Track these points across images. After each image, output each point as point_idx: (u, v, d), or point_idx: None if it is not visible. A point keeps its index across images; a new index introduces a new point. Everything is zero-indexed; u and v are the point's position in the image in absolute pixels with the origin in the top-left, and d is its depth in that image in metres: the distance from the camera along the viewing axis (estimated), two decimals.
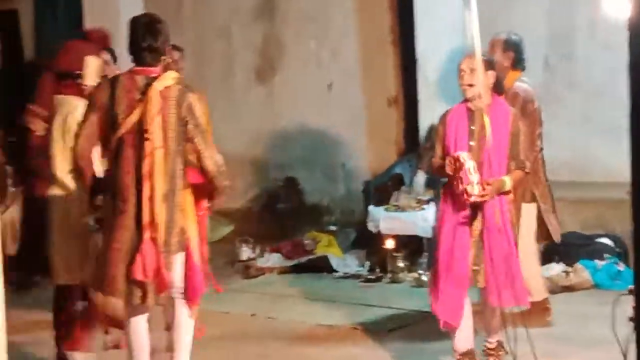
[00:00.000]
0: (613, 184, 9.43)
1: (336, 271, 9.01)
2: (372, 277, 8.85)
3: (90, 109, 5.41)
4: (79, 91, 5.99)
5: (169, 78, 5.29)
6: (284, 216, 10.04)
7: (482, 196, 5.54)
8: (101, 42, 7.03)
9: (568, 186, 9.42)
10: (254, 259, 9.63)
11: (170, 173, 5.22)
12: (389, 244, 8.84)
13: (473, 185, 5.49)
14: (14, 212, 6.01)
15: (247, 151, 11.28)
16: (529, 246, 6.69)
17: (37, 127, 6.32)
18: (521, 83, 7.07)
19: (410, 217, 8.95)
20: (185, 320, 5.51)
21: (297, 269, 9.25)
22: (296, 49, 11.02)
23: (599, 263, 8.23)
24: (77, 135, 5.45)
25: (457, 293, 5.69)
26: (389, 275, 8.82)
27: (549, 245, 8.28)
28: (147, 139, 5.17)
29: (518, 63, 7.14)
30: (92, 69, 6.02)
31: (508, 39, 7.12)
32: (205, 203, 5.49)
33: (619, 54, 9.50)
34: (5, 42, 10.48)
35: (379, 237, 8.93)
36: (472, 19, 4.95)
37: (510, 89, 7.01)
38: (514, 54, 7.11)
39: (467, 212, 5.66)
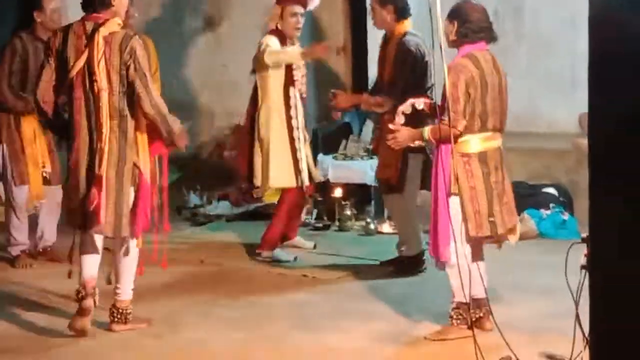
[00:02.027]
0: (558, 135, 9.58)
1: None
2: (320, 225, 8.91)
3: (46, 55, 5.90)
4: None
5: (114, 24, 5.70)
6: (231, 164, 9.99)
7: (392, 140, 6.00)
8: None
9: (515, 137, 9.51)
10: (201, 206, 9.64)
11: (118, 112, 5.65)
12: (337, 192, 8.90)
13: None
14: None
15: (194, 98, 11.23)
16: None
17: None
18: (412, 37, 7.10)
19: (358, 166, 9.02)
20: (130, 251, 5.89)
21: (245, 217, 9.28)
22: None
23: (544, 212, 8.36)
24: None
25: None
26: (337, 223, 8.89)
27: None
28: (94, 81, 5.62)
29: (402, 14, 7.14)
30: None
31: None
32: (162, 143, 5.86)
33: (566, 7, 9.68)
34: None
35: (327, 186, 8.98)
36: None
37: (401, 43, 7.06)
38: (394, 5, 7.12)
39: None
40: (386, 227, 8.56)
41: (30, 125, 7.48)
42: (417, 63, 7.08)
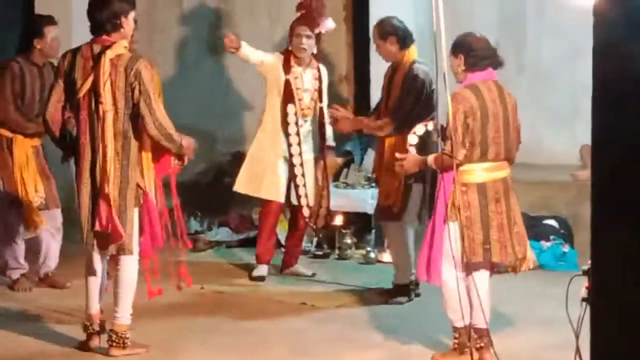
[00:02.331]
0: (559, 167, 9.59)
1: (284, 246, 9.03)
2: (320, 253, 8.91)
3: (56, 76, 6.07)
4: None
5: (121, 47, 5.80)
6: (232, 190, 10.00)
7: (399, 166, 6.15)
8: None
9: (516, 168, 9.50)
10: (202, 232, 9.63)
11: (122, 134, 5.74)
12: (338, 220, 8.89)
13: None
14: None
15: (195, 124, 11.23)
16: None
17: None
18: (420, 65, 7.16)
19: (359, 194, 9.02)
20: (129, 274, 5.99)
21: (245, 243, 9.28)
22: (248, 24, 10.98)
23: (544, 244, 8.35)
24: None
25: None
26: (337, 251, 8.88)
27: None
28: (100, 103, 5.71)
29: (404, 42, 7.22)
30: None
31: (380, 25, 7.30)
32: (172, 161, 5.98)
33: (567, 39, 9.72)
34: None
35: (327, 214, 8.95)
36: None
37: (409, 70, 7.11)
38: (395, 36, 7.20)
39: None
40: (386, 256, 8.55)
41: (22, 150, 7.48)
42: (425, 91, 7.14)
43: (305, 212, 7.94)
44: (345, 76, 10.24)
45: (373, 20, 9.47)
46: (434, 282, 5.93)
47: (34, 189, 7.49)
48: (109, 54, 5.72)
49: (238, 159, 10.83)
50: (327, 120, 7.89)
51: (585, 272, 4.12)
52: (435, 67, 5.06)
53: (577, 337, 4.60)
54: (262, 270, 8.04)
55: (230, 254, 9.09)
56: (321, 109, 7.96)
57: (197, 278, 7.99)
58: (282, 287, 7.82)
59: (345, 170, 9.41)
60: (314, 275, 8.11)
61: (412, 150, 6.04)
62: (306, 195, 7.90)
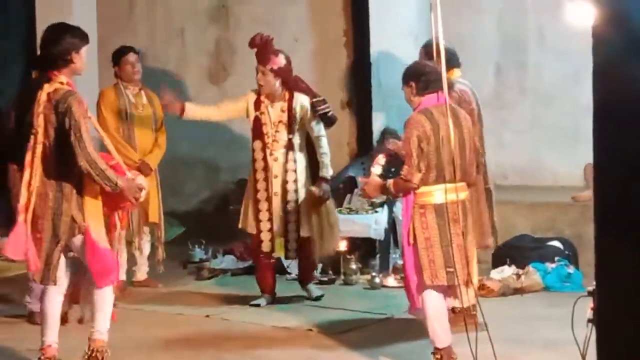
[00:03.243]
0: (562, 188, 9.60)
1: (289, 273, 9.04)
2: (325, 279, 8.89)
3: None
4: None
5: (57, 82, 5.83)
6: (236, 218, 10.01)
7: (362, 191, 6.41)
8: None
9: (520, 190, 9.56)
10: (206, 260, 9.63)
11: (54, 166, 5.78)
12: (342, 246, 8.89)
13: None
14: None
15: (198, 153, 11.28)
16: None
17: None
18: (458, 83, 7.17)
19: (363, 219, 9.01)
20: (97, 298, 5.96)
21: (250, 271, 9.25)
22: (248, 54, 10.99)
23: (549, 266, 8.34)
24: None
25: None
26: (342, 277, 8.88)
27: (499, 248, 8.41)
28: (34, 134, 5.79)
29: (447, 64, 7.21)
30: None
31: (428, 43, 7.22)
32: (124, 198, 5.94)
33: (568, 61, 9.75)
34: None
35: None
36: (437, 22, 5.02)
37: (452, 91, 7.12)
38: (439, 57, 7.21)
39: None
40: (391, 281, 8.55)
41: None
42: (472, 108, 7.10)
43: (265, 245, 8.02)
44: (346, 102, 10.27)
45: (373, 47, 9.56)
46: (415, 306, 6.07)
47: None
48: (47, 87, 5.80)
49: (241, 187, 10.86)
50: (322, 152, 7.95)
51: (590, 293, 4.12)
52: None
53: (583, 358, 4.60)
54: (261, 299, 8.08)
55: (235, 281, 9.08)
56: (316, 138, 7.98)
57: (202, 306, 8.05)
58: (287, 313, 7.80)
59: (348, 195, 9.42)
60: (321, 297, 8.14)
61: (377, 171, 6.27)
62: (270, 229, 7.98)
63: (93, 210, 5.85)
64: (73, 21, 10.12)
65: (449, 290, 6.03)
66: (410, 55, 7.51)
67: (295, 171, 7.98)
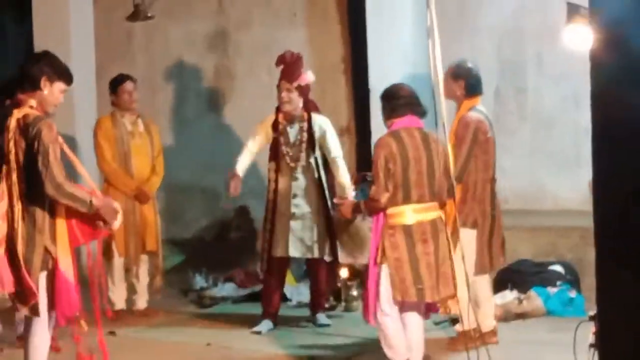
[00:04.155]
0: (563, 212, 9.59)
1: (290, 300, 9.02)
2: (327, 305, 8.86)
3: None
4: None
5: (27, 106, 5.66)
6: (237, 245, 10.06)
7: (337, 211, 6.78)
8: None
9: (521, 214, 9.53)
10: (207, 288, 9.61)
11: (26, 194, 5.59)
12: (343, 272, 8.87)
13: None
14: None
15: (198, 180, 11.28)
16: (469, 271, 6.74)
17: None
18: (475, 112, 7.14)
19: None
20: (36, 335, 5.71)
21: (251, 298, 9.24)
22: (248, 80, 11.07)
23: (551, 290, 8.32)
24: None
25: None
26: (343, 303, 8.85)
27: (501, 273, 8.39)
28: (6, 162, 5.60)
29: (471, 90, 7.20)
30: None
31: (458, 66, 7.21)
32: (98, 225, 5.74)
33: (567, 85, 9.76)
34: None
35: (333, 266, 8.94)
36: (434, 49, 5.03)
37: (463, 117, 7.12)
38: (465, 81, 7.19)
39: None
40: None
41: None
42: (477, 137, 7.09)
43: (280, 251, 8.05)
44: (346, 128, 10.28)
45: (372, 72, 9.56)
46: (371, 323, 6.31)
47: None
48: (16, 113, 5.62)
49: (242, 214, 10.88)
50: (342, 173, 7.99)
51: (592, 318, 4.11)
52: (435, 114, 5.14)
53: None
54: (262, 325, 8.07)
55: (236, 309, 9.05)
56: (334, 159, 7.98)
57: (203, 334, 8.03)
58: (289, 340, 7.77)
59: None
60: (327, 326, 8.15)
61: (351, 194, 6.72)
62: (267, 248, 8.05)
63: (62, 241, 5.66)
64: (71, 50, 10.24)
65: (419, 307, 6.28)
66: (409, 81, 7.50)
67: (316, 191, 7.98)
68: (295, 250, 8.01)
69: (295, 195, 7.97)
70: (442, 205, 6.30)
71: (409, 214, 6.12)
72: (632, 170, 3.05)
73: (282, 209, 7.99)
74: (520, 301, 8.16)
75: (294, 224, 7.97)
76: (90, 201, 5.57)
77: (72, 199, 5.55)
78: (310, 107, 8.12)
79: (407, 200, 6.10)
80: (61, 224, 5.66)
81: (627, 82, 3.05)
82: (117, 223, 5.74)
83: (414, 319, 6.30)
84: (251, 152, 8.26)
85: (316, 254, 8.03)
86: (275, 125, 8.06)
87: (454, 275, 6.19)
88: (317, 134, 8.03)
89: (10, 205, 5.59)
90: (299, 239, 7.98)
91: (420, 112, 6.30)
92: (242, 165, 8.24)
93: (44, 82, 5.70)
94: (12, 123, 5.61)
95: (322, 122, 8.09)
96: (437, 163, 6.18)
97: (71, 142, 8.62)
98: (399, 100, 6.24)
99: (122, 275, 8.54)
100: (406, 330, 6.26)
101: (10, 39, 11.37)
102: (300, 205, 7.98)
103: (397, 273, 6.09)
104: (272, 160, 8.05)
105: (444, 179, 6.21)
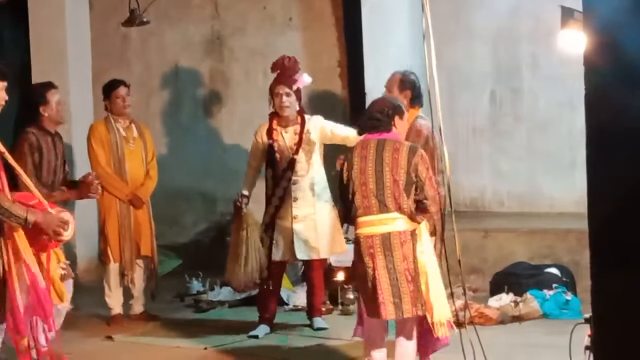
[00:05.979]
0: (559, 215, 9.61)
1: (287, 304, 9.02)
2: (323, 309, 8.86)
3: None
4: None
5: None
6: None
7: None
8: None
9: (517, 217, 9.56)
10: (204, 292, 9.60)
11: None
12: (340, 276, 8.88)
13: None
14: None
15: (195, 185, 11.28)
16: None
17: None
18: (422, 120, 7.18)
19: None
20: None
21: (247, 302, 9.24)
22: (244, 84, 11.08)
23: (547, 293, 8.33)
24: None
25: None
26: (340, 307, 8.86)
27: (497, 275, 8.41)
28: None
29: (416, 100, 7.25)
30: None
31: (403, 77, 7.25)
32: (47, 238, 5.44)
33: (564, 88, 9.78)
34: None
35: (329, 270, 8.96)
36: (430, 51, 5.05)
37: (412, 125, 7.14)
38: (411, 91, 7.22)
39: None
40: None
41: None
42: (428, 144, 7.12)
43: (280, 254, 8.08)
44: None
45: (368, 76, 9.58)
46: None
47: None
48: None
49: None
50: None
51: (587, 320, 4.12)
52: (431, 121, 5.13)
53: None
54: (259, 329, 8.07)
55: (233, 313, 9.05)
56: (347, 136, 7.92)
57: (200, 338, 8.03)
58: (285, 344, 7.78)
59: (345, 225, 9.39)
60: (324, 329, 8.14)
61: None
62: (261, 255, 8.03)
63: (26, 250, 5.33)
64: (67, 55, 10.27)
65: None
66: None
67: (314, 193, 8.00)
68: (301, 253, 8.01)
69: (296, 199, 7.97)
70: (411, 216, 5.97)
71: (361, 227, 6.02)
72: (626, 172, 3.06)
73: (282, 214, 7.99)
74: (516, 304, 8.17)
75: (297, 227, 7.96)
76: (26, 218, 5.23)
77: (6, 214, 5.23)
78: (302, 110, 8.15)
79: (358, 211, 6.00)
80: (20, 236, 5.33)
81: (620, 85, 3.06)
82: (67, 234, 5.43)
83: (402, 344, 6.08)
84: (254, 169, 8.23)
85: (322, 254, 8.05)
86: (269, 132, 8.06)
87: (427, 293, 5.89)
88: (315, 134, 8.03)
89: None
90: (304, 240, 7.98)
91: (371, 128, 6.10)
92: (248, 184, 8.18)
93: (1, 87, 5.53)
94: None
95: (315, 120, 8.10)
96: (388, 173, 5.91)
97: (67, 147, 8.61)
98: (365, 116, 6.21)
99: (118, 281, 8.54)
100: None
101: (7, 45, 11.36)
102: (302, 208, 7.99)
103: (361, 287, 6.09)
104: (269, 167, 8.06)
105: (396, 189, 5.91)
